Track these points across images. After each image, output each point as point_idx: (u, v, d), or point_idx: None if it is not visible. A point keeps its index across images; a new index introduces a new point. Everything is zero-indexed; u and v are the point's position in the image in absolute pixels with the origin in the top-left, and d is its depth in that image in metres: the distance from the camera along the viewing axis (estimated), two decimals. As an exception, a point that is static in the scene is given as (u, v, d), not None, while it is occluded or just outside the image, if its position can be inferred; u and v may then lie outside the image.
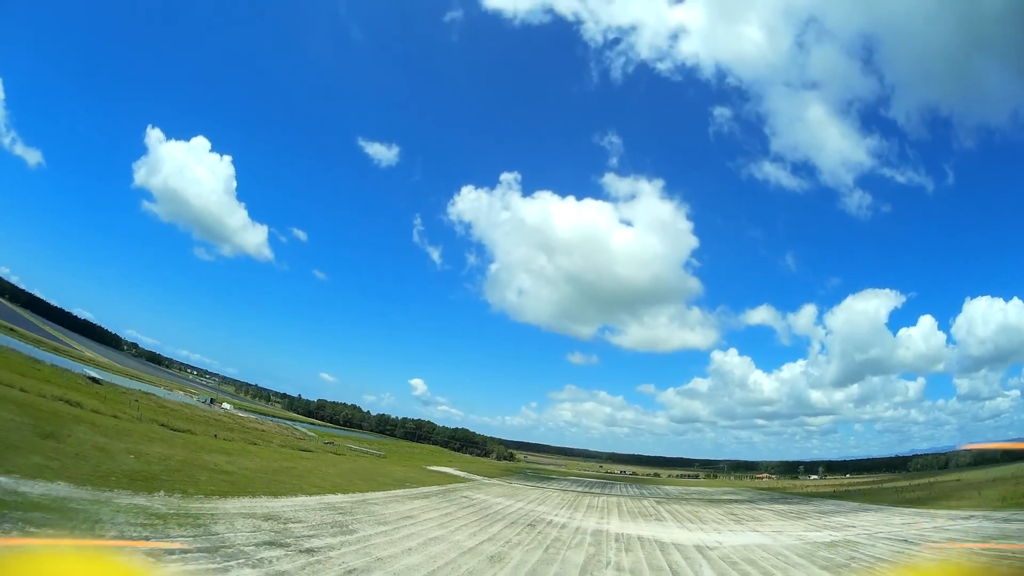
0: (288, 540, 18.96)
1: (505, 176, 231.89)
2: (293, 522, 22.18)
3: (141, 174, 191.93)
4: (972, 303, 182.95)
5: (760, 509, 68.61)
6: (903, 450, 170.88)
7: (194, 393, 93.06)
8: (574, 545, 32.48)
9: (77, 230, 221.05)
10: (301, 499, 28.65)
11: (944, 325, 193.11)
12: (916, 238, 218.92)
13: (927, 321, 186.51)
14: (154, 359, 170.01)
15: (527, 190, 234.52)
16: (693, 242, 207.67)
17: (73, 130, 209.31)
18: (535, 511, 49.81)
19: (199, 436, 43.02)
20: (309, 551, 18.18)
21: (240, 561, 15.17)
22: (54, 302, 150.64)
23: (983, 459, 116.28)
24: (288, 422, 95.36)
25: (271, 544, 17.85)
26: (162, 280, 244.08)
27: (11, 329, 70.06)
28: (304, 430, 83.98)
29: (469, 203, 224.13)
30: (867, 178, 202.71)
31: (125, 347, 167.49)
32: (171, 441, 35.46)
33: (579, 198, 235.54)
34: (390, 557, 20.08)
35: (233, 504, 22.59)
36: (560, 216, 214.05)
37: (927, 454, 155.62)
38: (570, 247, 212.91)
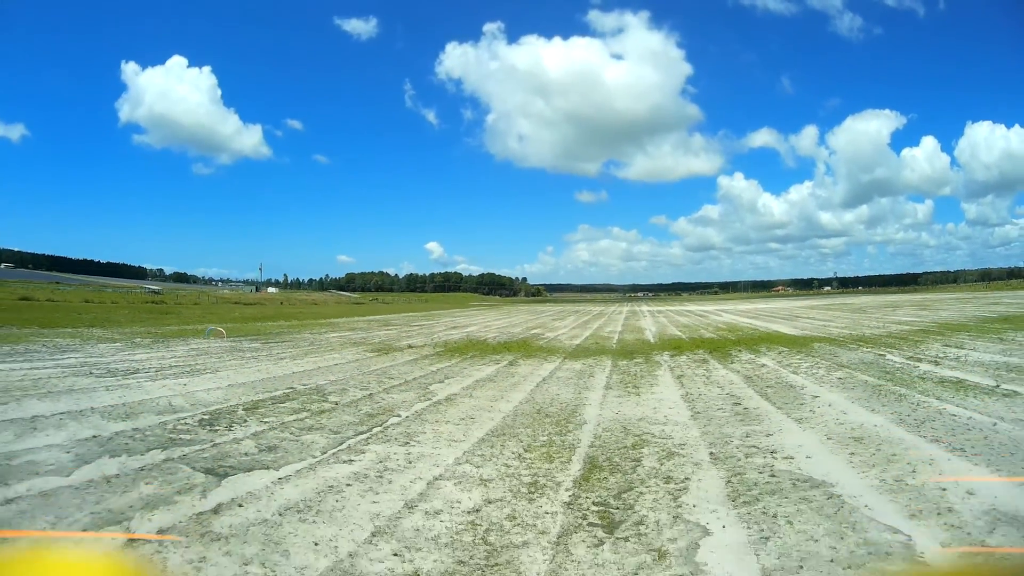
0: (396, 325, 23.54)
1: (488, 26, 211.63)
2: (392, 323, 26.89)
3: (125, 110, 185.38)
4: (974, 127, 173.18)
5: (772, 298, 78.21)
6: (916, 271, 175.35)
7: (236, 289, 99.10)
8: (615, 315, 38.22)
9: (78, 186, 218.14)
10: (384, 316, 33.62)
11: (947, 147, 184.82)
12: (912, 61, 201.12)
13: (929, 142, 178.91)
14: (181, 278, 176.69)
15: (512, 37, 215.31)
16: (687, 69, 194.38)
17: (49, 93, 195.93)
18: (578, 308, 56.26)
19: (268, 307, 47.98)
20: (429, 328, 22.72)
21: (373, 331, 19.53)
22: (75, 256, 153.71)
23: (989, 276, 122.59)
24: (331, 292, 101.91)
25: (384, 325, 22.37)
26: (169, 206, 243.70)
27: (57, 283, 73.10)
28: (347, 295, 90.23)
29: (456, 59, 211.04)
30: (856, 0, 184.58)
31: (150, 276, 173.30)
32: (253, 308, 40.19)
33: (566, 38, 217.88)
34: (477, 324, 24.84)
35: (340, 320, 27.23)
36: (550, 58, 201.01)
37: (937, 272, 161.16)
38: (564, 87, 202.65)
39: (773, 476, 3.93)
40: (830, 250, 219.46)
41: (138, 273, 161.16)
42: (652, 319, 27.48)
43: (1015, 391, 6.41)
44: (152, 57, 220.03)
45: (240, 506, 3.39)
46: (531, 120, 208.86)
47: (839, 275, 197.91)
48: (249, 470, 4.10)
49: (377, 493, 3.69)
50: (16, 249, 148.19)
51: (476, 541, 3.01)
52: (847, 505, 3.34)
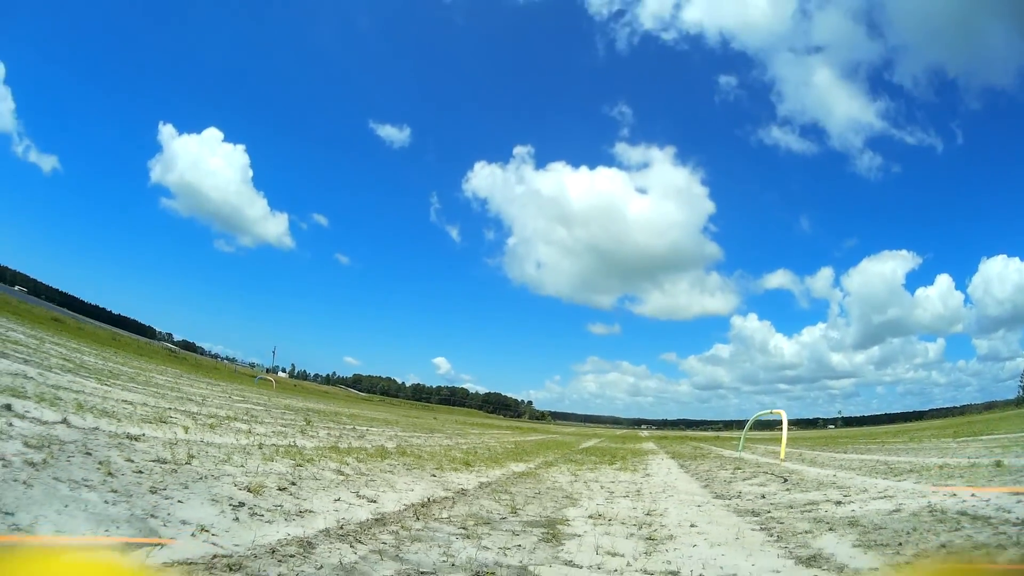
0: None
1: (518, 150, 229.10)
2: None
3: (157, 171, 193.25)
4: (988, 262, 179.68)
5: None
6: (924, 408, 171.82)
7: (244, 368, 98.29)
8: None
9: (98, 232, 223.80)
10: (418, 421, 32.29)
11: (961, 285, 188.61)
12: (929, 198, 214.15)
13: (944, 281, 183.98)
14: (188, 347, 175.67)
15: (540, 162, 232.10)
16: (710, 207, 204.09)
17: (86, 133, 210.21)
18: (592, 433, 53.98)
19: (286, 391, 47.00)
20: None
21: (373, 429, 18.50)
22: (86, 299, 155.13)
23: (993, 407, 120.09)
24: (341, 387, 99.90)
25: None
26: (184, 274, 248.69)
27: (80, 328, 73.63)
28: (356, 393, 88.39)
29: (483, 179, 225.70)
30: (876, 140, 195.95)
31: (159, 337, 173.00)
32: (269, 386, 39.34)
33: (592, 167, 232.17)
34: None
35: (346, 410, 26.14)
36: (575, 187, 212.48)
37: (944, 407, 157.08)
38: (587, 217, 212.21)
39: None
40: (839, 391, 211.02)
41: (147, 332, 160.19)
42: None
43: None
44: (190, 123, 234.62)
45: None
46: (551, 247, 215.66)
47: (844, 414, 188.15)
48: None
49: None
50: (32, 276, 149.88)
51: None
52: None
